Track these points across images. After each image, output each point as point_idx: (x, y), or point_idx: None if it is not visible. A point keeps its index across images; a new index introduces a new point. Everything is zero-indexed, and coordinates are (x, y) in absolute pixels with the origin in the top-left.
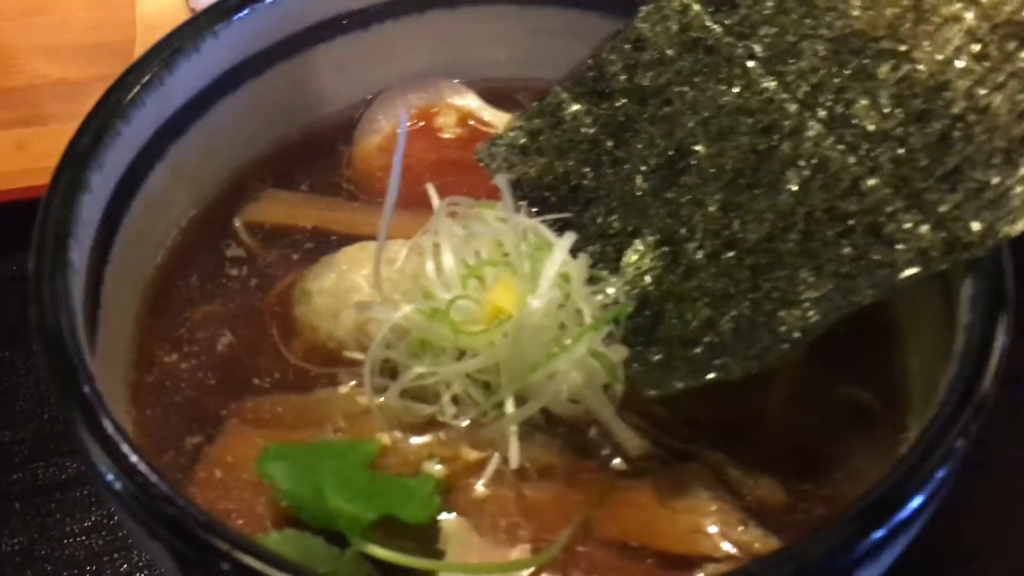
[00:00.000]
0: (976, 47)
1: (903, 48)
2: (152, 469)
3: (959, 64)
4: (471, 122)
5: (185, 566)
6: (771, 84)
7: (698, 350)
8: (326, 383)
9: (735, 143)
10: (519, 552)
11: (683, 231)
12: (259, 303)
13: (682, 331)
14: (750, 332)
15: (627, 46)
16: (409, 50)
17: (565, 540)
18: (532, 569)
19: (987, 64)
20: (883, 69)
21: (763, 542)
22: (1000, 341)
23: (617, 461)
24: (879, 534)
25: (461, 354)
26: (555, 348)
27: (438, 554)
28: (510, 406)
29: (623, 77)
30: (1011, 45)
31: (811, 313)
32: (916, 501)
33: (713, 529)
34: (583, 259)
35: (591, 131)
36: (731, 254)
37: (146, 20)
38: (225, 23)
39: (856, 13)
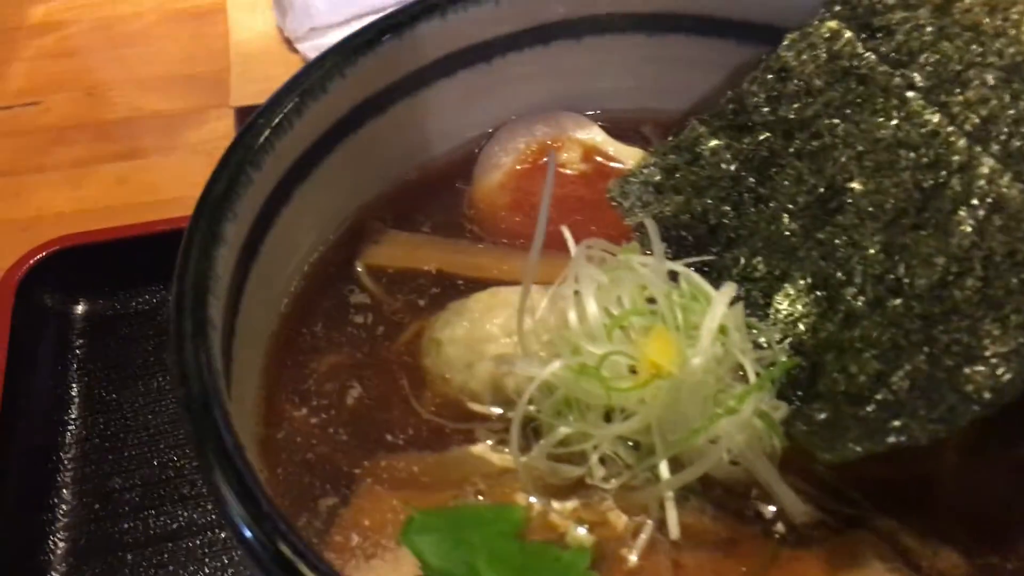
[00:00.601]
0: None
1: None
2: (312, 552)
3: None
4: (596, 158)
5: None
6: (934, 117)
7: (870, 409)
8: (462, 440)
9: (895, 179)
10: None
11: (840, 275)
12: (387, 352)
13: (847, 386)
14: (930, 390)
15: (770, 76)
16: (530, 83)
17: None
18: None
19: None
20: None
21: None
22: None
23: (780, 528)
24: None
25: (608, 412)
26: (716, 408)
27: None
28: (665, 471)
29: (766, 109)
30: None
31: (1001, 371)
32: None
33: None
34: (740, 308)
35: (732, 167)
36: (898, 301)
37: (240, 48)
38: (352, 63)
39: None
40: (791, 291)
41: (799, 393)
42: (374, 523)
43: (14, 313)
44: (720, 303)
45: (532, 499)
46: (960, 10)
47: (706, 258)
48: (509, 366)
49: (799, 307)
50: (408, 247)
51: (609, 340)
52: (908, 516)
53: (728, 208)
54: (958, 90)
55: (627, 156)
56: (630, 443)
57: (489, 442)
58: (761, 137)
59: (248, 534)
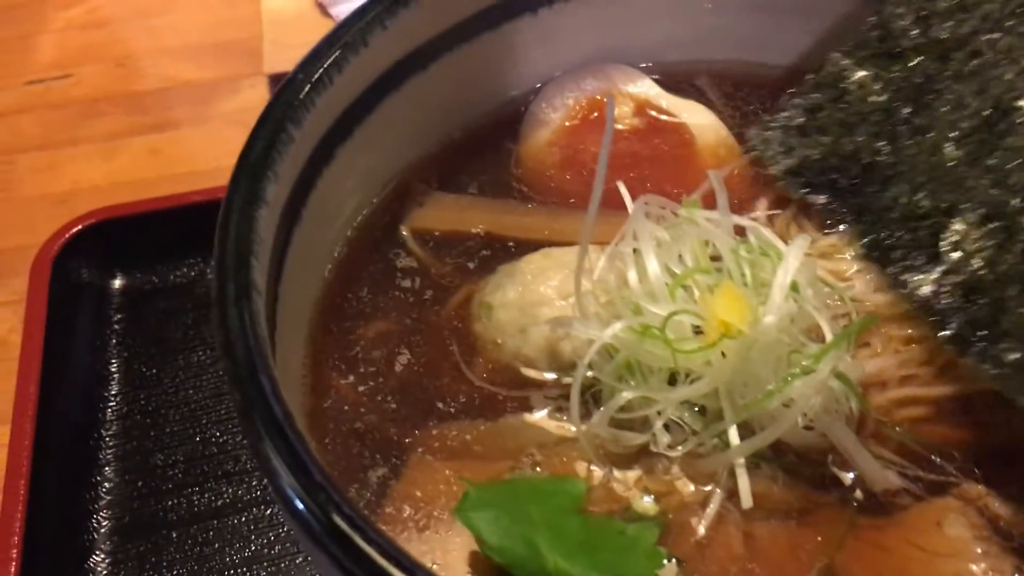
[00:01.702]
0: None
1: None
2: (367, 524)
3: None
4: (650, 111)
5: None
6: None
7: None
8: (516, 408)
9: None
10: None
11: (1016, 201)
12: (435, 318)
13: None
14: None
15: None
16: (578, 34)
17: None
18: None
19: None
20: None
21: None
22: None
23: (858, 495)
24: None
25: (673, 375)
26: (790, 369)
27: None
28: (734, 436)
29: (915, 32)
30: None
31: None
32: None
33: None
34: (812, 263)
35: (883, 99)
36: None
37: (272, 15)
38: (393, 14)
39: None
40: (962, 225)
41: (983, 333)
42: (426, 494)
43: (51, 288)
44: (793, 257)
45: (593, 469)
46: None
47: (860, 200)
48: (566, 329)
49: (973, 241)
50: (455, 209)
51: (672, 299)
52: (999, 483)
53: (883, 143)
54: None
55: (681, 109)
56: (696, 408)
57: (546, 410)
58: (913, 63)
59: (300, 505)
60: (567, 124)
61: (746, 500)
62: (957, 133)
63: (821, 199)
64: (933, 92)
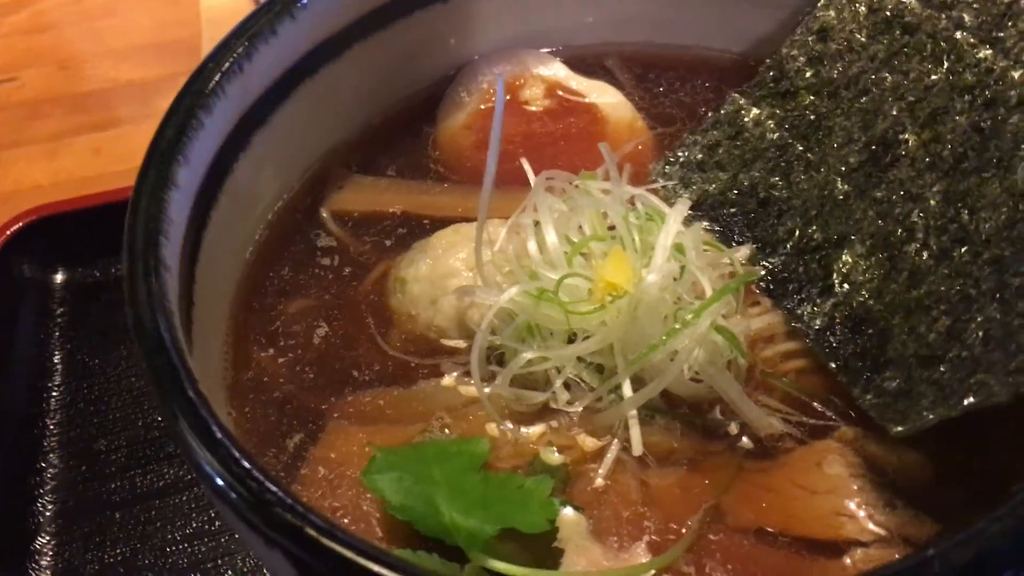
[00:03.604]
0: None
1: None
2: (262, 473)
3: None
4: (559, 92)
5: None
6: (987, 53)
7: (944, 369)
8: (428, 374)
9: (951, 125)
10: (644, 546)
11: (900, 232)
12: (353, 293)
13: (918, 348)
14: (1006, 339)
15: (810, 38)
16: (490, 20)
17: (693, 536)
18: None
19: None
20: None
21: (914, 524)
22: None
23: (746, 442)
24: None
25: (571, 336)
26: (675, 324)
27: (559, 553)
28: (627, 389)
29: (809, 73)
30: None
31: None
32: None
33: (858, 511)
34: (698, 228)
35: (777, 136)
36: (964, 250)
37: (210, 14)
38: (302, 5)
39: None
40: (850, 257)
41: (868, 363)
42: (340, 456)
43: None
44: (673, 220)
45: (500, 428)
46: None
47: (755, 234)
48: (470, 297)
49: (861, 272)
50: (373, 191)
51: (570, 267)
52: (873, 425)
53: (777, 179)
54: (1010, 22)
55: (591, 90)
56: (594, 366)
57: (455, 374)
58: (806, 101)
59: (207, 468)
60: (482, 107)
61: (637, 448)
62: (845, 168)
63: (717, 231)
64: (824, 129)
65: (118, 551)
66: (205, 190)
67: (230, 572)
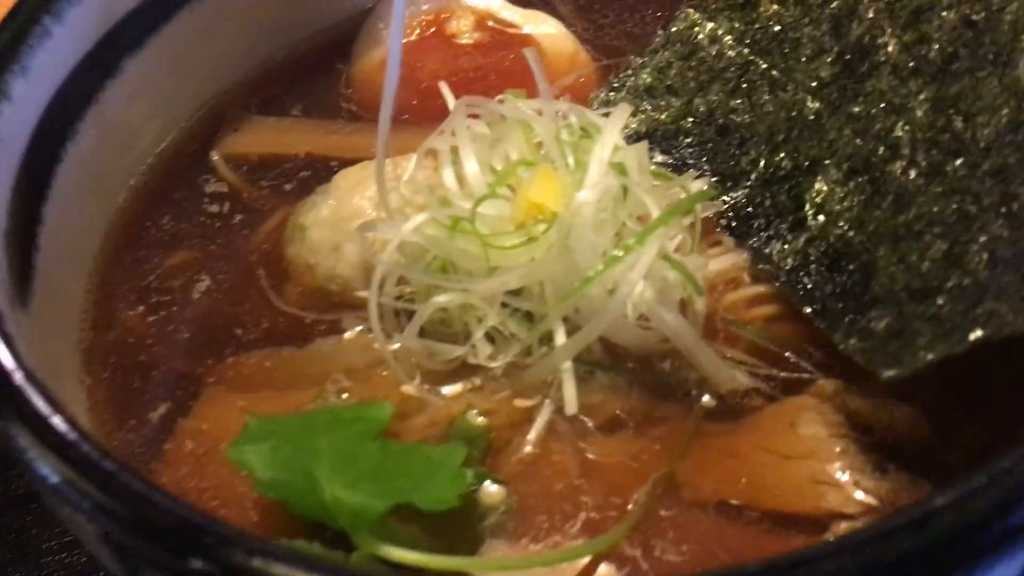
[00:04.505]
0: None
1: None
2: (101, 448)
3: None
4: (491, 24)
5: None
6: None
7: (942, 301)
8: (327, 331)
9: (938, 22)
10: (580, 526)
11: (883, 150)
12: (244, 243)
13: (909, 280)
14: (1018, 259)
15: None
16: None
17: (640, 512)
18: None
19: None
20: None
21: (910, 490)
22: None
23: (705, 400)
24: None
25: (494, 275)
26: (615, 252)
27: (477, 537)
28: (560, 336)
29: None
30: None
31: None
32: None
33: (841, 477)
34: (643, 146)
35: (736, 52)
36: (959, 162)
37: None
38: None
39: None
40: (825, 184)
41: (852, 303)
42: (214, 428)
43: None
44: (611, 131)
45: (411, 389)
46: None
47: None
48: (372, 232)
49: (838, 200)
50: (274, 132)
51: (493, 193)
52: (858, 377)
53: (738, 102)
54: None
55: (527, 20)
56: (522, 314)
57: (358, 329)
58: (769, 11)
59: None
60: (403, 42)
61: (571, 407)
62: (816, 83)
63: (670, 163)
64: (790, 41)
65: None
66: (55, 113)
67: None
